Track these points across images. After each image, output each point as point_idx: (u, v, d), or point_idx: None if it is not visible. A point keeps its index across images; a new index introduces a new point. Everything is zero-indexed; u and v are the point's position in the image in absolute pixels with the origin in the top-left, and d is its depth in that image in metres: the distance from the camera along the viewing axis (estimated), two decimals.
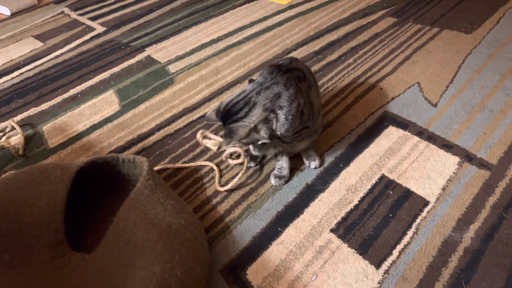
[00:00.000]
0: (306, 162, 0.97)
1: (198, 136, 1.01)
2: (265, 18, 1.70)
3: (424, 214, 0.84)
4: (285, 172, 0.94)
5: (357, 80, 1.26)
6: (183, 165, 1.00)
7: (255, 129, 0.79)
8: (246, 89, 0.81)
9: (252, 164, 0.98)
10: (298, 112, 0.80)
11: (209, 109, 1.19)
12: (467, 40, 1.41)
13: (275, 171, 0.95)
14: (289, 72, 0.83)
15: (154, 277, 0.60)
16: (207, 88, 1.28)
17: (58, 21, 1.85)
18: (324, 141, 1.04)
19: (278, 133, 0.81)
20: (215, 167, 0.98)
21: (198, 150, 1.05)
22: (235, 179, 0.92)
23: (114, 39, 1.64)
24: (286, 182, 0.94)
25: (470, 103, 1.13)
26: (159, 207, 0.74)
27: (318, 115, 0.90)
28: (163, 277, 0.61)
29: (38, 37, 1.72)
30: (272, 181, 0.94)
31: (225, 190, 0.93)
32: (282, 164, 0.94)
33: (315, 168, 0.96)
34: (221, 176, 0.97)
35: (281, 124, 0.79)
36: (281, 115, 0.79)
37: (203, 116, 1.16)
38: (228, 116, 0.80)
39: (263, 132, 0.79)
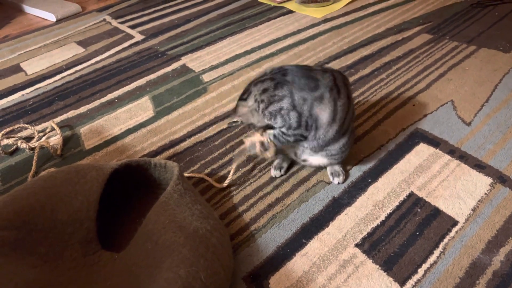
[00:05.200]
0: (330, 177, 0.97)
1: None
2: (299, 31, 1.72)
3: (452, 234, 0.83)
4: (285, 163, 1.00)
5: (389, 95, 1.26)
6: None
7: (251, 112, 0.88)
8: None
9: (277, 173, 0.99)
10: (278, 112, 0.85)
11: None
12: (505, 59, 1.38)
13: (274, 162, 1.00)
14: (304, 78, 0.85)
15: (179, 279, 0.62)
16: None
17: (99, 28, 1.94)
18: (353, 155, 1.04)
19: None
20: (205, 177, 1.01)
21: (226, 158, 1.06)
22: (231, 173, 0.97)
23: (152, 47, 1.70)
24: (285, 172, 1.00)
25: (506, 123, 1.10)
26: (187, 211, 0.76)
27: (327, 131, 0.87)
28: (188, 280, 0.62)
29: (80, 43, 1.80)
30: (272, 173, 0.99)
31: (226, 186, 0.98)
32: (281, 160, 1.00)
33: (338, 183, 0.96)
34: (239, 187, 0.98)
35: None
36: (261, 108, 0.86)
37: (233, 126, 1.18)
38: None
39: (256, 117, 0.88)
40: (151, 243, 0.71)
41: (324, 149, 0.90)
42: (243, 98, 0.89)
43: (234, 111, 0.91)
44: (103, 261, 0.77)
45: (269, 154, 0.91)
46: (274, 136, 0.89)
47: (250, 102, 0.88)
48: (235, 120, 0.91)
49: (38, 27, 2.03)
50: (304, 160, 0.95)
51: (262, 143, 0.90)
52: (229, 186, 0.98)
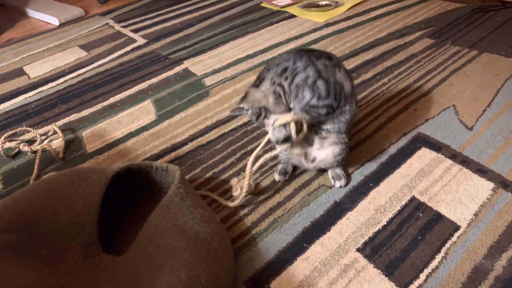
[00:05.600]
0: (332, 181, 0.97)
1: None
2: (301, 36, 1.73)
3: (454, 239, 0.83)
4: (289, 167, 0.99)
5: (391, 100, 1.26)
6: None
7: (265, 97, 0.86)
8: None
9: (282, 178, 0.99)
10: (305, 83, 0.83)
11: (242, 122, 1.21)
12: (507, 64, 1.38)
13: (278, 167, 0.99)
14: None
15: (180, 282, 0.62)
16: None
17: (102, 32, 1.94)
18: (354, 160, 1.04)
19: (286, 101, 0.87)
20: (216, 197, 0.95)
21: (228, 162, 1.07)
22: (245, 187, 0.90)
23: (154, 51, 1.71)
24: (289, 177, 0.99)
25: (508, 128, 1.10)
26: (188, 215, 0.76)
27: (352, 104, 0.89)
28: (189, 284, 0.62)
29: (83, 46, 1.80)
30: (277, 177, 0.98)
31: (237, 204, 0.92)
32: (287, 159, 0.99)
33: (340, 187, 0.96)
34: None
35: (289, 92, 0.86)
36: (286, 85, 0.85)
37: (235, 129, 1.19)
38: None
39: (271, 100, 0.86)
40: (152, 247, 0.71)
41: (343, 133, 0.90)
42: (255, 85, 0.88)
43: (243, 98, 0.88)
44: (104, 264, 0.77)
45: (302, 135, 0.86)
46: (306, 112, 0.85)
47: (265, 86, 0.87)
48: (241, 106, 0.87)
49: (42, 31, 2.04)
50: (313, 160, 0.94)
51: (296, 122, 0.84)
52: (242, 205, 0.94)
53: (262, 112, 0.87)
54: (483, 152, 1.03)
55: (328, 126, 0.89)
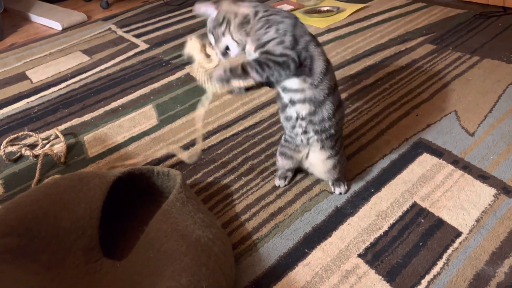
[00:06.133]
0: (332, 188, 0.97)
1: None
2: None
3: (456, 245, 0.82)
4: (289, 173, 0.99)
5: (392, 105, 1.26)
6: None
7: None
8: None
9: (282, 183, 0.99)
10: (275, 23, 0.78)
11: (243, 127, 1.22)
12: (508, 70, 1.38)
13: (278, 172, 0.99)
14: None
15: (181, 287, 0.62)
16: (241, 107, 1.31)
17: (105, 37, 1.95)
18: (356, 165, 1.03)
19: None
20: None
21: (229, 167, 1.07)
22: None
23: (156, 56, 1.71)
24: (289, 182, 0.99)
25: (510, 134, 1.10)
26: (189, 220, 0.76)
27: (320, 82, 0.81)
28: None
29: (85, 51, 1.81)
30: (277, 182, 0.99)
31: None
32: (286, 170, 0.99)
33: (340, 194, 0.96)
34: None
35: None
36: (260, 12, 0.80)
37: (236, 134, 1.19)
38: None
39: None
40: (153, 251, 0.71)
41: (321, 129, 0.85)
42: None
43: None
44: (105, 269, 0.77)
45: (211, 65, 0.82)
46: (255, 60, 0.77)
47: (246, 3, 0.80)
48: (211, 7, 0.81)
49: (44, 36, 2.05)
50: (307, 156, 0.93)
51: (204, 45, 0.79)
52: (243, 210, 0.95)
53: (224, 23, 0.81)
54: (484, 158, 1.03)
55: (296, 100, 0.83)
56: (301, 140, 0.89)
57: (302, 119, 0.85)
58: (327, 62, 0.83)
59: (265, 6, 0.82)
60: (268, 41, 0.78)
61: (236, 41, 0.81)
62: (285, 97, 0.85)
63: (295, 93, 0.83)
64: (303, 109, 0.84)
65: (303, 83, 0.81)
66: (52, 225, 0.76)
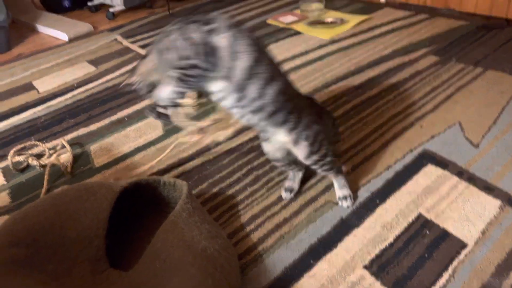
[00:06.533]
0: (339, 201, 0.97)
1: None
2: (307, 52, 1.75)
3: (461, 257, 0.82)
4: (296, 185, 0.99)
5: (396, 116, 1.26)
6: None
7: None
8: None
9: (288, 195, 0.99)
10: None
11: (248, 137, 1.22)
12: None
13: (285, 184, 1.00)
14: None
15: None
16: None
17: (111, 48, 1.97)
18: (360, 176, 1.04)
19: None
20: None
21: (234, 177, 1.07)
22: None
23: None
24: (295, 194, 0.99)
25: None
26: (195, 230, 0.76)
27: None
28: None
29: (91, 62, 1.83)
30: (283, 194, 0.99)
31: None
32: (294, 176, 0.99)
33: (347, 207, 0.96)
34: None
35: None
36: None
37: (241, 145, 1.20)
38: None
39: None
40: (159, 262, 0.71)
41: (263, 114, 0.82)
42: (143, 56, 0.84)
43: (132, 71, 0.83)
44: (111, 279, 0.77)
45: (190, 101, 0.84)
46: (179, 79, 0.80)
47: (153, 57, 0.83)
48: (132, 81, 0.84)
49: (51, 46, 2.08)
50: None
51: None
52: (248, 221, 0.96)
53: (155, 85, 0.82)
54: (489, 169, 1.03)
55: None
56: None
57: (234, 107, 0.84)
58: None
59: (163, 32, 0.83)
60: (174, 61, 0.80)
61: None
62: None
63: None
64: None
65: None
66: (58, 235, 0.76)
